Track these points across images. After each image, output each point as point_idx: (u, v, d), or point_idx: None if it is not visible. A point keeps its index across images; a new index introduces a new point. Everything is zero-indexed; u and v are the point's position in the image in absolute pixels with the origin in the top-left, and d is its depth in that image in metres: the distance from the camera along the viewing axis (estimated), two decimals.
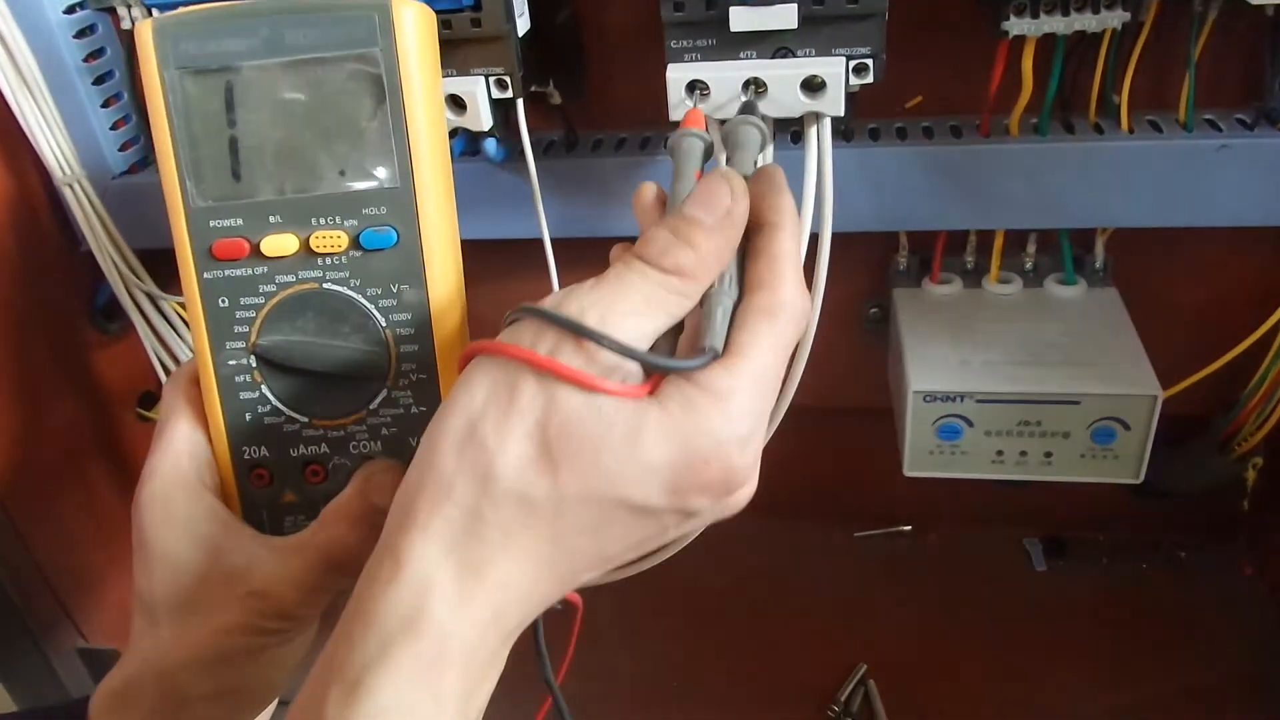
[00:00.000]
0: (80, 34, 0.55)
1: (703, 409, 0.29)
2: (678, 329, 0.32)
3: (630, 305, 0.29)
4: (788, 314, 0.31)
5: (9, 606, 0.60)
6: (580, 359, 0.28)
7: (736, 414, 0.29)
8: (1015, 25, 0.46)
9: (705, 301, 0.31)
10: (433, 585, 0.28)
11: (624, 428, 0.28)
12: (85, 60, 0.55)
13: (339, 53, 0.34)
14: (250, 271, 0.36)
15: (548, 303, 0.30)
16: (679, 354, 0.32)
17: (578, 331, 0.29)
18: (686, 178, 0.35)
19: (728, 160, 0.38)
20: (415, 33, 0.34)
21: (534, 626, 0.37)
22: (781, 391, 0.46)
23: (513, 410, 0.28)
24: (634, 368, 0.29)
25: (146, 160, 0.59)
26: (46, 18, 0.53)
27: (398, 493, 0.30)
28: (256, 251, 0.35)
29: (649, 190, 0.34)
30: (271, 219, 0.35)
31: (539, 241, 0.51)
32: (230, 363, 0.37)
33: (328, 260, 0.35)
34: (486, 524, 0.28)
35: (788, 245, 0.32)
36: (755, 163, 0.37)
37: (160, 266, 0.59)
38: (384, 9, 0.34)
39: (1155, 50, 0.48)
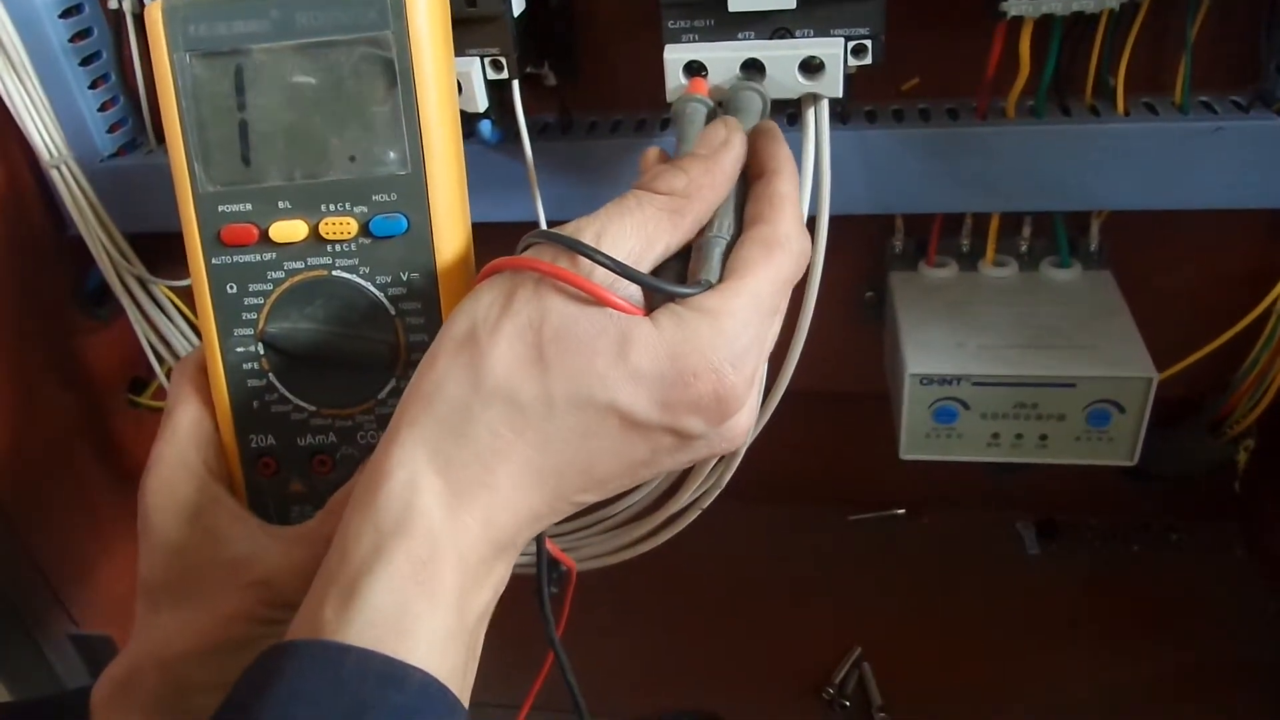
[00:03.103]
0: (66, 13, 0.54)
1: (693, 325, 0.29)
2: (682, 276, 0.32)
3: (624, 227, 0.31)
4: (785, 248, 0.32)
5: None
6: (576, 271, 0.29)
7: (728, 332, 0.30)
8: (1014, 6, 0.46)
9: (703, 243, 0.32)
10: (422, 484, 0.28)
11: (615, 335, 0.29)
12: (71, 40, 0.54)
13: (350, 36, 0.34)
14: (259, 257, 0.35)
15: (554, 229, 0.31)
16: None
17: (573, 248, 0.29)
18: (689, 141, 0.36)
19: None
20: (428, 16, 0.34)
21: (539, 587, 0.37)
22: (777, 375, 0.46)
23: (507, 312, 0.29)
24: (633, 290, 0.30)
25: (135, 142, 0.59)
26: None
27: (400, 399, 0.30)
28: (265, 237, 0.35)
29: (653, 153, 0.35)
30: (280, 204, 0.35)
31: (535, 224, 0.51)
32: (238, 349, 0.36)
33: (337, 247, 0.35)
34: (475, 422, 0.29)
35: (785, 187, 0.33)
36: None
37: (151, 250, 0.58)
38: None
39: (1152, 32, 0.48)
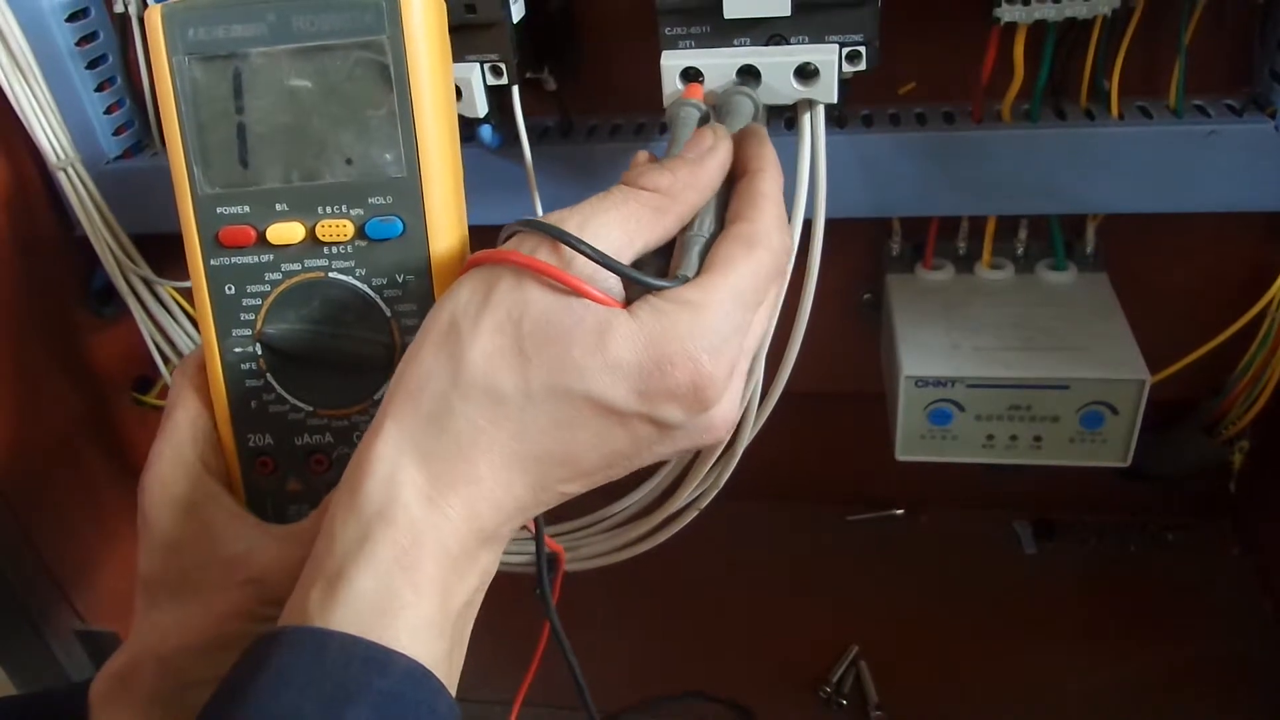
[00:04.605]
0: (72, 17, 0.54)
1: (671, 315, 0.30)
2: (662, 274, 0.33)
3: (608, 220, 0.31)
4: (765, 245, 0.32)
5: (6, 589, 0.61)
6: (556, 261, 0.30)
7: (705, 323, 0.30)
8: (1007, 12, 0.46)
9: (683, 241, 0.33)
10: (403, 478, 0.29)
11: (593, 325, 0.29)
12: (78, 44, 0.55)
13: (346, 40, 0.34)
14: (256, 259, 0.36)
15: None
16: None
17: (555, 235, 0.30)
18: (681, 143, 0.36)
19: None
20: (424, 21, 0.34)
21: (538, 568, 0.38)
22: (775, 376, 0.47)
23: (487, 304, 0.30)
24: (612, 282, 0.31)
25: (141, 144, 0.59)
26: (39, 1, 0.53)
27: (387, 390, 0.31)
28: (263, 239, 0.35)
29: (642, 155, 0.36)
30: (278, 207, 0.35)
31: None
32: (236, 350, 0.37)
33: (333, 249, 0.35)
34: (454, 415, 0.29)
35: (767, 187, 0.34)
36: None
37: (156, 251, 0.59)
38: None
39: (1146, 36, 0.48)
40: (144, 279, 0.58)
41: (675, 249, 0.33)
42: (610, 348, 0.29)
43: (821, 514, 0.77)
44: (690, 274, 0.32)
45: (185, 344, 0.60)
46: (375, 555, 0.28)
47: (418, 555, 0.28)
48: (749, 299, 0.32)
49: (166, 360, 0.61)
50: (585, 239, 0.30)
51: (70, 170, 0.56)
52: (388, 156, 0.35)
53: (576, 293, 0.29)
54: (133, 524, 0.37)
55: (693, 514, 0.52)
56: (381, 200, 0.35)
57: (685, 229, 0.33)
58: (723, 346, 0.30)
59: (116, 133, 0.58)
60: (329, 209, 0.35)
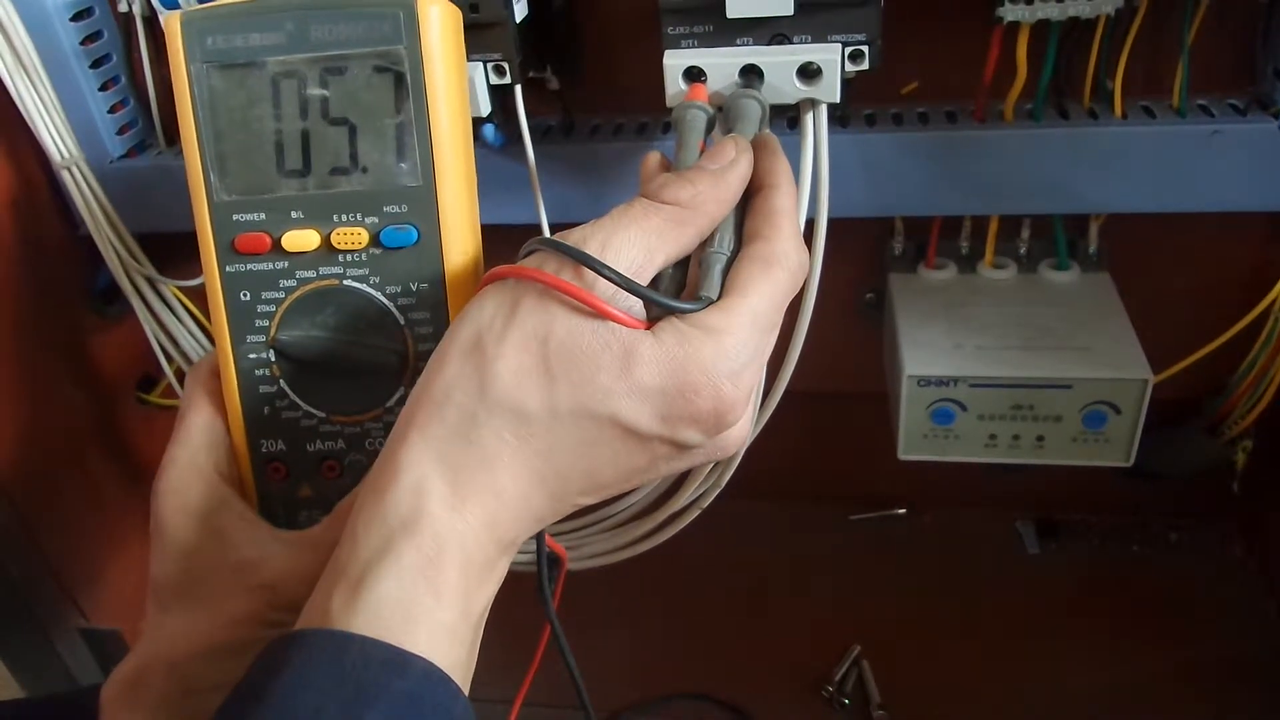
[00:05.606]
0: (77, 17, 0.54)
1: (695, 342, 0.30)
2: (680, 285, 0.33)
3: (628, 236, 0.31)
4: (783, 264, 0.32)
5: (11, 587, 0.61)
6: (580, 282, 0.30)
7: (729, 349, 0.30)
8: (1010, 11, 0.46)
9: (703, 259, 0.33)
10: (429, 487, 0.29)
11: (619, 349, 0.29)
12: (83, 43, 0.55)
13: (363, 49, 0.34)
14: (271, 266, 0.36)
15: (559, 236, 0.31)
16: None
17: (578, 259, 0.30)
18: (690, 147, 0.36)
19: (729, 131, 0.39)
20: (440, 31, 0.34)
21: (539, 571, 0.38)
22: (777, 375, 0.47)
23: (512, 321, 0.30)
24: (635, 301, 0.31)
25: (145, 144, 0.59)
26: (43, 1, 0.53)
27: (406, 402, 0.31)
28: (278, 246, 0.36)
29: (654, 158, 0.36)
30: (293, 214, 0.35)
31: (538, 227, 0.51)
32: (250, 356, 0.37)
33: (348, 257, 0.35)
34: (481, 429, 0.29)
35: (784, 203, 0.34)
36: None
37: (159, 250, 0.59)
38: (409, 7, 0.34)
39: (1149, 36, 0.48)
40: (148, 278, 0.59)
41: (693, 264, 0.33)
42: (635, 372, 0.29)
43: (823, 513, 0.77)
44: (714, 295, 0.32)
45: (188, 343, 0.60)
46: (399, 562, 0.28)
47: (441, 563, 0.29)
48: (767, 321, 0.32)
49: (170, 359, 0.61)
50: (608, 256, 0.30)
51: (74, 169, 0.56)
52: (403, 165, 0.35)
53: (601, 315, 0.30)
54: (138, 522, 0.37)
55: (695, 513, 0.52)
56: (397, 209, 0.35)
57: (705, 244, 0.33)
58: (743, 372, 0.31)
59: (120, 132, 0.58)
60: (344, 217, 0.35)
